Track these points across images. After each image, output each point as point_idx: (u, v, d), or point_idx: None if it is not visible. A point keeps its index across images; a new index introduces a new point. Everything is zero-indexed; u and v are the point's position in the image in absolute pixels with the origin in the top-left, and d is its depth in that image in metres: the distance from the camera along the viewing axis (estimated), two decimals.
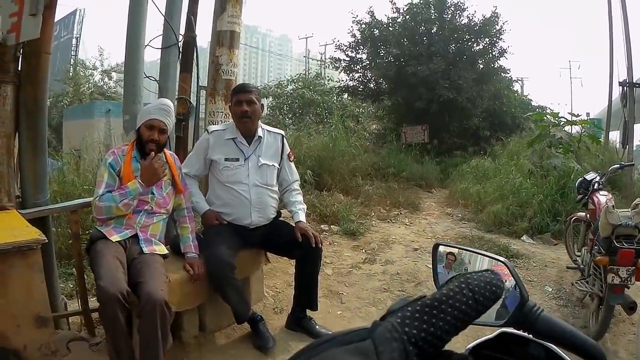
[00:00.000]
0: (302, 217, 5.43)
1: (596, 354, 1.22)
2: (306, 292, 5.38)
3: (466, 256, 1.50)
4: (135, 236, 4.56)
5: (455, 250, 1.53)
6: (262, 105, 5.42)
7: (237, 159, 5.18)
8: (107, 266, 4.00)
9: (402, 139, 22.58)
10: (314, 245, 5.15)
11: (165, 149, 4.89)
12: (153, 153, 4.59)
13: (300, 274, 5.38)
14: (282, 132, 5.60)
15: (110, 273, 3.93)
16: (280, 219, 5.59)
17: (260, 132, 5.29)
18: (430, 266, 1.58)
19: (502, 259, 1.37)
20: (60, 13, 35.99)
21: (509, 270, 1.32)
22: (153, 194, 4.68)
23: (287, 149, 5.55)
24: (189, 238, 4.94)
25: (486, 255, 1.43)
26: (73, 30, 40.87)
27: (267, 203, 5.28)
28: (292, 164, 5.67)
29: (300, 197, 5.64)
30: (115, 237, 4.39)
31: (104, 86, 33.96)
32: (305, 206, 5.65)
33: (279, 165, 5.44)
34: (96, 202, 4.45)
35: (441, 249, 1.53)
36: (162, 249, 4.70)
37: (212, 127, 5.46)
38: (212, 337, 5.18)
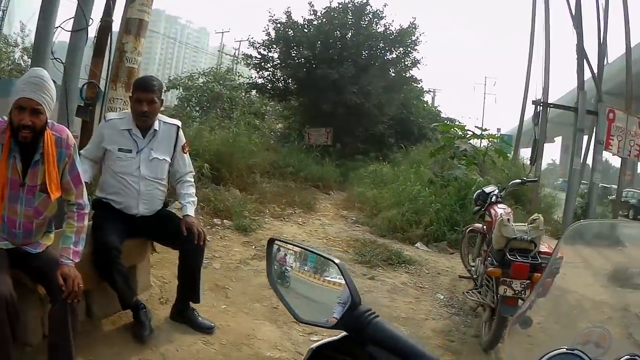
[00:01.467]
0: (190, 211, 5.27)
1: None
2: (189, 285, 5.23)
3: (301, 254, 1.49)
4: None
5: (290, 247, 1.53)
6: (162, 100, 5.22)
7: (130, 151, 5.01)
8: None
9: (305, 140, 22.65)
10: (196, 242, 5.00)
11: (49, 129, 3.88)
12: None
13: (183, 267, 5.22)
14: (178, 122, 5.43)
15: None
16: (168, 209, 5.52)
17: (156, 125, 5.11)
18: None
19: (336, 260, 1.36)
20: None
21: (341, 272, 1.30)
22: (22, 203, 3.82)
23: (182, 140, 5.39)
24: (70, 239, 3.99)
25: (321, 255, 1.42)
26: (0, 2, 39.42)
27: (154, 195, 5.18)
28: (187, 156, 5.52)
29: (192, 190, 5.47)
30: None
31: (23, 64, 32.98)
32: (195, 199, 5.52)
33: (171, 158, 5.28)
34: None
35: (276, 244, 1.45)
36: (51, 239, 4.19)
37: (110, 115, 5.33)
38: (99, 323, 4.94)
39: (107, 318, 5.03)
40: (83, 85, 6.26)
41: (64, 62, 6.14)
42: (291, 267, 1.50)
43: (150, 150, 5.07)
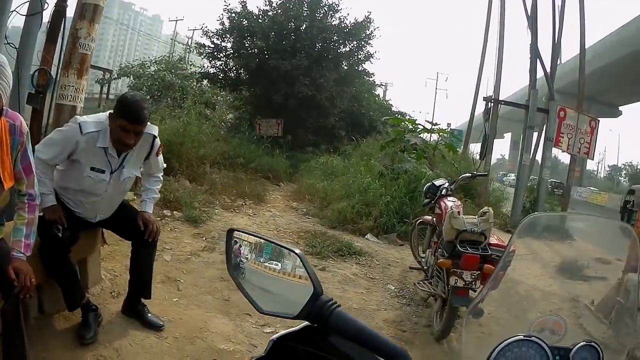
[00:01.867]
0: (149, 207, 5.10)
1: (401, 358, 1.21)
2: (140, 281, 5.11)
3: (260, 245, 1.50)
4: None
5: (249, 237, 1.53)
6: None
7: (103, 172, 4.51)
8: None
9: (256, 131, 22.56)
10: (150, 240, 4.91)
11: (3, 116, 3.64)
12: None
13: (135, 263, 5.10)
14: (155, 131, 4.81)
15: None
16: (125, 200, 5.21)
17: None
18: None
19: (296, 250, 1.39)
20: None
21: (302, 262, 1.32)
22: None
23: (157, 146, 4.89)
24: (21, 231, 3.85)
25: (280, 245, 1.42)
26: None
27: (115, 204, 4.91)
28: (160, 157, 5.12)
29: (157, 186, 5.26)
30: None
31: None
32: (158, 196, 5.32)
33: (142, 168, 4.98)
34: None
35: (236, 234, 1.46)
36: (2, 232, 3.96)
37: (87, 125, 4.42)
38: (51, 319, 4.77)
39: (60, 314, 4.86)
40: (34, 72, 6.17)
41: (16, 47, 6.04)
42: (247, 258, 1.50)
43: (122, 169, 4.63)
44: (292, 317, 1.27)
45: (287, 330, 1.33)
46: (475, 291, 5.36)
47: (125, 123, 4.27)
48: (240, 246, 1.50)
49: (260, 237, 1.48)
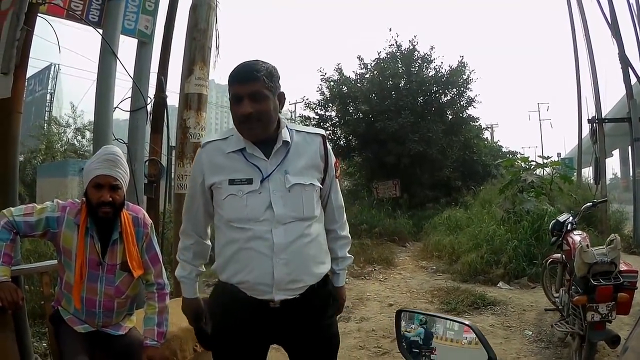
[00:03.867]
0: (342, 280, 3.38)
1: None
2: None
3: (432, 321, 1.48)
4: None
5: (418, 316, 1.52)
6: (282, 94, 3.02)
7: (250, 181, 2.93)
8: (75, 354, 3.70)
9: (374, 195, 22.75)
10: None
11: (125, 209, 3.91)
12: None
13: None
14: (322, 131, 3.23)
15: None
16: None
17: (285, 135, 3.03)
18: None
19: (466, 322, 1.38)
20: (34, 67, 35.81)
21: (474, 332, 1.32)
22: (101, 281, 3.80)
23: (332, 157, 3.21)
24: (153, 320, 3.92)
25: (450, 320, 1.43)
26: (47, 85, 40.55)
27: (306, 255, 2.96)
28: (337, 182, 3.36)
29: (347, 246, 3.37)
30: (78, 328, 3.85)
31: (77, 144, 33.65)
32: (351, 259, 3.44)
33: (322, 183, 3.15)
34: (0, 220, 3.61)
35: (403, 314, 1.52)
36: (132, 321, 4.17)
37: (207, 138, 3.19)
38: None
39: None
40: (145, 162, 6.46)
41: (125, 142, 6.31)
42: (417, 334, 1.54)
43: (284, 175, 2.96)
44: None
45: None
46: (611, 322, 5.28)
47: (236, 87, 2.89)
48: (409, 322, 1.55)
49: (428, 314, 1.52)
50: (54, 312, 3.99)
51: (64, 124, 34.02)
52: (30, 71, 5.32)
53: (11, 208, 3.76)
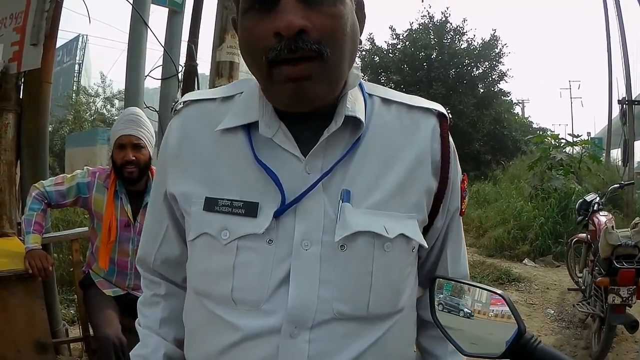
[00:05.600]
0: None
1: None
2: None
3: (464, 289, 1.45)
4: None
5: (452, 283, 1.48)
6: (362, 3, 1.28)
7: (251, 209, 1.19)
8: (103, 317, 3.68)
9: None
10: None
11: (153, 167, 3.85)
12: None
13: None
14: (439, 107, 1.39)
15: (106, 324, 3.62)
16: None
17: (354, 105, 1.24)
18: None
19: (499, 291, 1.29)
20: (62, 39, 35.97)
21: (506, 302, 1.26)
22: (133, 242, 3.81)
23: (458, 168, 1.49)
24: None
25: (483, 288, 1.36)
26: (76, 56, 40.75)
27: None
28: (461, 224, 1.56)
29: None
30: (108, 292, 3.90)
31: (106, 113, 33.80)
32: None
33: (429, 228, 1.41)
34: (32, 192, 3.77)
35: (438, 281, 1.48)
36: None
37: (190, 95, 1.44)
38: None
39: None
40: None
41: (156, 110, 6.32)
42: (449, 302, 1.52)
43: (339, 200, 1.19)
44: (497, 357, 1.23)
45: None
46: (631, 307, 5.28)
47: None
48: (442, 291, 1.43)
49: (461, 282, 1.46)
50: (84, 276, 4.06)
51: (93, 94, 34.17)
52: (59, 42, 5.32)
53: (42, 181, 3.85)
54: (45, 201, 3.73)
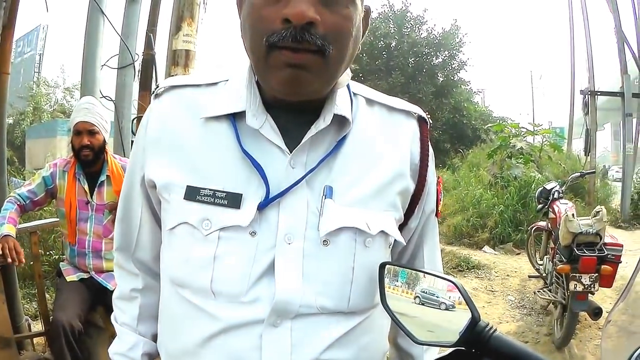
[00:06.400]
0: None
1: None
2: None
3: (419, 276, 1.43)
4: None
5: (407, 270, 1.46)
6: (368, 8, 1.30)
7: (234, 200, 1.19)
8: (59, 303, 3.87)
9: None
10: None
11: (113, 155, 4.22)
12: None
13: None
14: (419, 110, 1.45)
15: (60, 308, 3.78)
16: None
17: (342, 102, 1.27)
18: None
19: (451, 278, 1.27)
20: (22, 29, 35.44)
21: (459, 290, 1.25)
22: (91, 220, 4.03)
23: (433, 170, 1.46)
24: None
25: (436, 276, 1.35)
26: (36, 46, 40.20)
27: None
28: (436, 225, 1.57)
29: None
30: (72, 277, 4.06)
31: (66, 104, 33.37)
32: None
33: (404, 226, 1.44)
34: (5, 200, 4.02)
35: (388, 268, 1.46)
36: None
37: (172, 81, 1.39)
38: None
39: None
40: (132, 120, 6.40)
41: (112, 99, 6.25)
42: (400, 289, 1.49)
43: (322, 196, 1.22)
44: (451, 345, 1.21)
45: (437, 356, 1.32)
46: (593, 294, 5.34)
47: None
48: (393, 278, 1.47)
49: (411, 269, 1.43)
50: (58, 266, 4.26)
51: (53, 85, 33.73)
52: (18, 32, 5.25)
53: (21, 188, 4.11)
54: (19, 202, 3.96)
